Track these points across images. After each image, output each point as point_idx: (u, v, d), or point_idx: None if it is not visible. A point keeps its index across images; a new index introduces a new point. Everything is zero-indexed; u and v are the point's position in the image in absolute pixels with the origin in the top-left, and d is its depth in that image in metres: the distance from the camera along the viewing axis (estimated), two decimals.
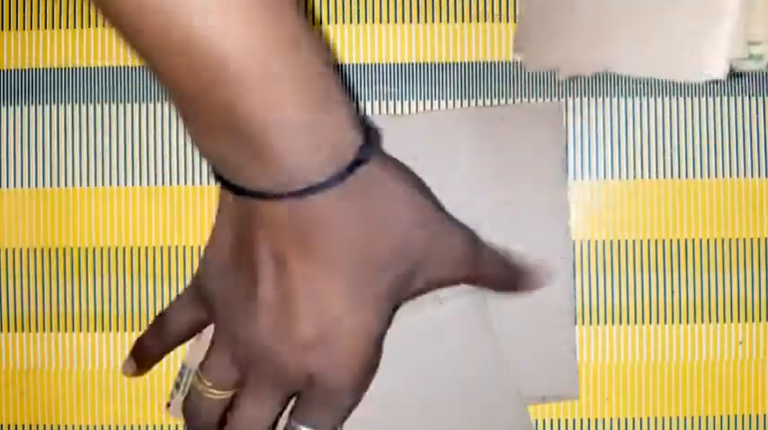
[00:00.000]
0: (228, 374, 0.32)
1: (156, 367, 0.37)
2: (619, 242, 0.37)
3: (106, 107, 0.38)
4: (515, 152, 0.37)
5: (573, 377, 0.37)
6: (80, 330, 0.37)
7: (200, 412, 0.33)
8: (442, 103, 0.37)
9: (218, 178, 0.30)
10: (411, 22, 0.37)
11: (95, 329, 0.37)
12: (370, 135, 0.30)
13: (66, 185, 0.37)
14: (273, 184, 0.28)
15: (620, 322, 0.37)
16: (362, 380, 0.32)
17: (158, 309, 0.37)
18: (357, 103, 0.37)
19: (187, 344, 0.36)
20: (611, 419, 0.37)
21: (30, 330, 0.37)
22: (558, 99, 0.37)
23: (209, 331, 0.34)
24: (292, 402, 0.33)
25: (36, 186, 0.37)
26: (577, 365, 0.37)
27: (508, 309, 0.37)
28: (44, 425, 0.37)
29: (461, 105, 0.37)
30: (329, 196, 0.28)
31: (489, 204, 0.37)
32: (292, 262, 0.30)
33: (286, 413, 0.33)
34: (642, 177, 0.37)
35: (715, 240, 0.37)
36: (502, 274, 0.36)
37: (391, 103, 0.37)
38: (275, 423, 0.33)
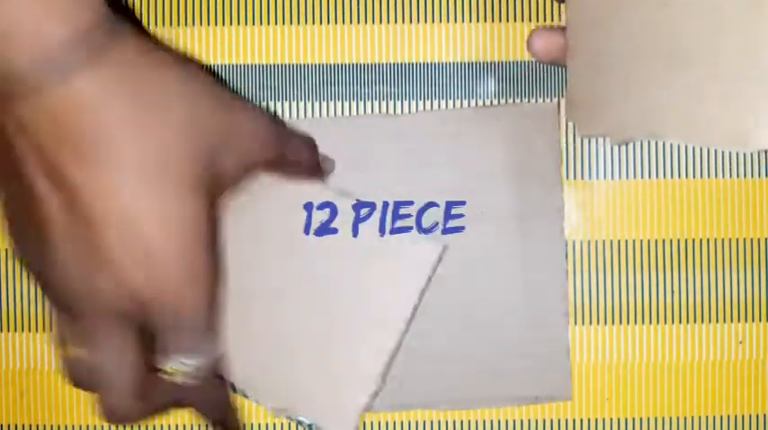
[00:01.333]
0: (73, 330, 0.29)
1: None
2: (618, 242, 0.37)
3: None
4: (510, 152, 0.37)
5: (566, 378, 0.37)
6: None
7: (77, 374, 0.30)
8: (442, 102, 0.37)
9: None
10: (411, 22, 0.37)
11: None
12: (120, 16, 0.26)
13: None
14: (14, 78, 0.24)
15: (620, 322, 0.37)
16: (201, 290, 0.28)
17: None
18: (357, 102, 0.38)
19: None
20: (612, 419, 0.37)
21: (30, 330, 0.37)
22: (559, 99, 0.37)
23: None
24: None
25: None
26: (570, 366, 0.37)
27: (503, 310, 0.37)
28: (44, 425, 0.37)
29: (461, 105, 0.37)
30: (85, 84, 0.25)
31: (484, 203, 0.37)
32: (70, 171, 0.25)
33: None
34: (642, 177, 0.37)
35: (715, 240, 0.37)
36: (309, 157, 0.35)
37: (391, 103, 0.37)
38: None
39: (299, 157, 0.34)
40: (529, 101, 0.37)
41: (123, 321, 0.28)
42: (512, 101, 0.37)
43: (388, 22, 0.37)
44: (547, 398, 0.37)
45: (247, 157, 0.30)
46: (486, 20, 0.37)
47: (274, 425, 0.37)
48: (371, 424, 0.37)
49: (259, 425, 0.37)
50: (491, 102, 0.37)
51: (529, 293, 0.37)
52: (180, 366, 0.29)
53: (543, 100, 0.37)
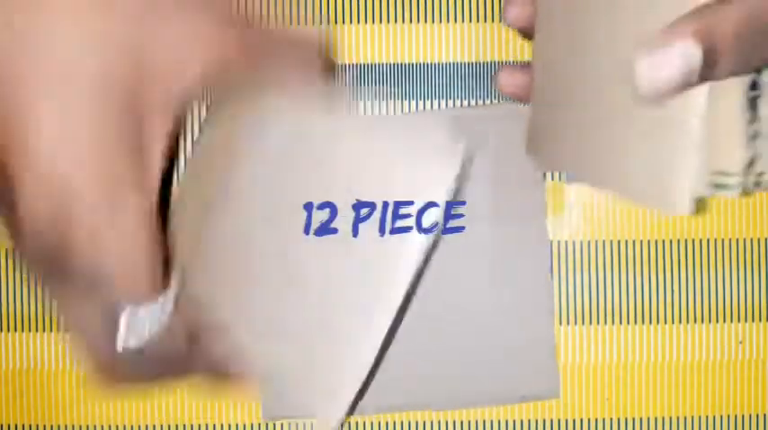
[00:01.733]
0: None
1: None
2: (618, 242, 0.37)
3: None
4: (492, 152, 0.37)
5: (553, 376, 0.37)
6: None
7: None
8: (442, 102, 0.37)
9: None
10: (411, 22, 0.37)
11: None
12: None
13: None
14: None
15: (621, 322, 0.37)
16: (126, 226, 0.25)
17: None
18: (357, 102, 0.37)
19: None
20: (612, 419, 0.37)
21: (30, 330, 0.37)
22: None
23: None
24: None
25: None
26: (556, 365, 0.37)
27: (488, 308, 0.37)
28: (44, 425, 0.37)
29: (461, 106, 0.37)
30: None
31: (467, 204, 0.37)
32: None
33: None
34: None
35: (715, 240, 0.37)
36: (289, 50, 0.28)
37: (391, 103, 0.37)
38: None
39: (283, 63, 0.28)
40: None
41: (67, 279, 0.25)
42: (512, 101, 0.37)
43: (388, 21, 0.37)
44: (534, 397, 0.37)
45: (185, 66, 0.25)
46: (486, 20, 0.37)
47: (274, 425, 0.37)
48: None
49: (259, 426, 0.37)
50: (491, 102, 0.37)
51: (515, 292, 0.37)
52: (133, 332, 0.26)
53: None
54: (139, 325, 0.26)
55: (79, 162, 0.23)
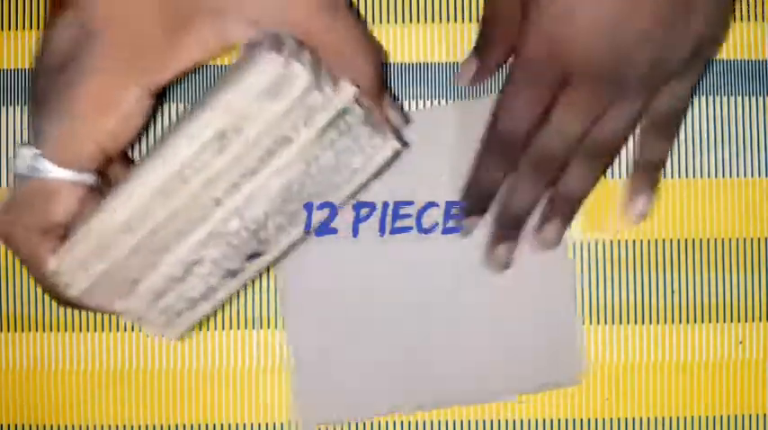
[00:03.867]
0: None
1: (155, 367, 0.37)
2: (619, 242, 0.37)
3: None
4: None
5: (575, 363, 0.37)
6: (80, 330, 0.37)
7: None
8: (442, 102, 0.37)
9: None
10: (411, 22, 0.37)
11: (95, 329, 0.37)
12: None
13: None
14: None
15: (621, 322, 0.37)
16: None
17: None
18: None
19: None
20: (611, 419, 0.37)
21: (30, 330, 0.37)
22: None
23: None
24: None
25: None
26: (579, 350, 0.37)
27: (510, 297, 0.37)
28: (44, 425, 0.37)
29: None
30: None
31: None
32: None
33: None
34: None
35: (715, 240, 0.37)
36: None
37: None
38: None
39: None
40: None
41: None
42: None
43: (388, 22, 0.37)
44: (554, 384, 0.37)
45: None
46: None
47: (274, 425, 0.37)
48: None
49: (259, 426, 0.37)
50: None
51: (535, 284, 0.37)
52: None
53: None
54: None
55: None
